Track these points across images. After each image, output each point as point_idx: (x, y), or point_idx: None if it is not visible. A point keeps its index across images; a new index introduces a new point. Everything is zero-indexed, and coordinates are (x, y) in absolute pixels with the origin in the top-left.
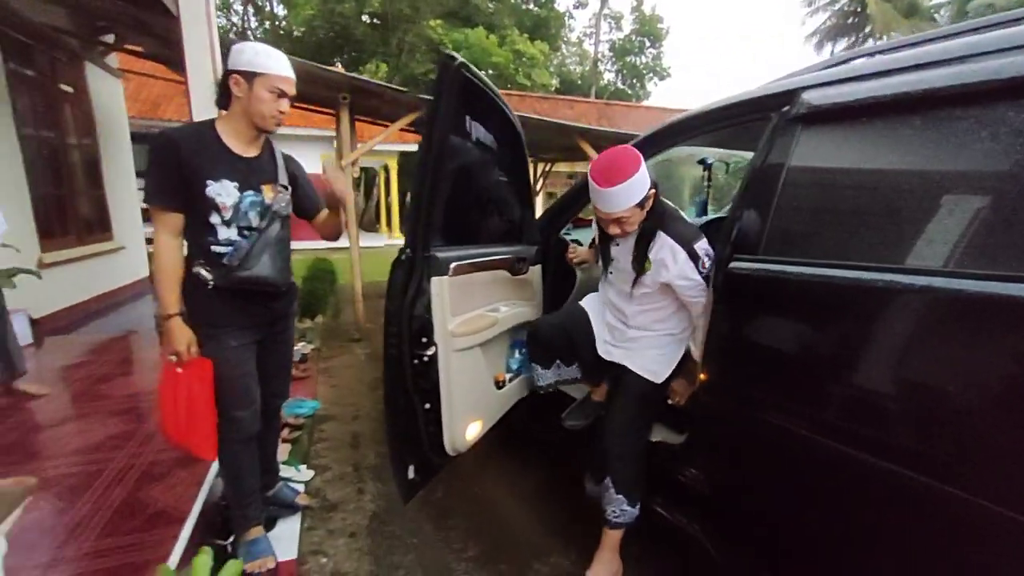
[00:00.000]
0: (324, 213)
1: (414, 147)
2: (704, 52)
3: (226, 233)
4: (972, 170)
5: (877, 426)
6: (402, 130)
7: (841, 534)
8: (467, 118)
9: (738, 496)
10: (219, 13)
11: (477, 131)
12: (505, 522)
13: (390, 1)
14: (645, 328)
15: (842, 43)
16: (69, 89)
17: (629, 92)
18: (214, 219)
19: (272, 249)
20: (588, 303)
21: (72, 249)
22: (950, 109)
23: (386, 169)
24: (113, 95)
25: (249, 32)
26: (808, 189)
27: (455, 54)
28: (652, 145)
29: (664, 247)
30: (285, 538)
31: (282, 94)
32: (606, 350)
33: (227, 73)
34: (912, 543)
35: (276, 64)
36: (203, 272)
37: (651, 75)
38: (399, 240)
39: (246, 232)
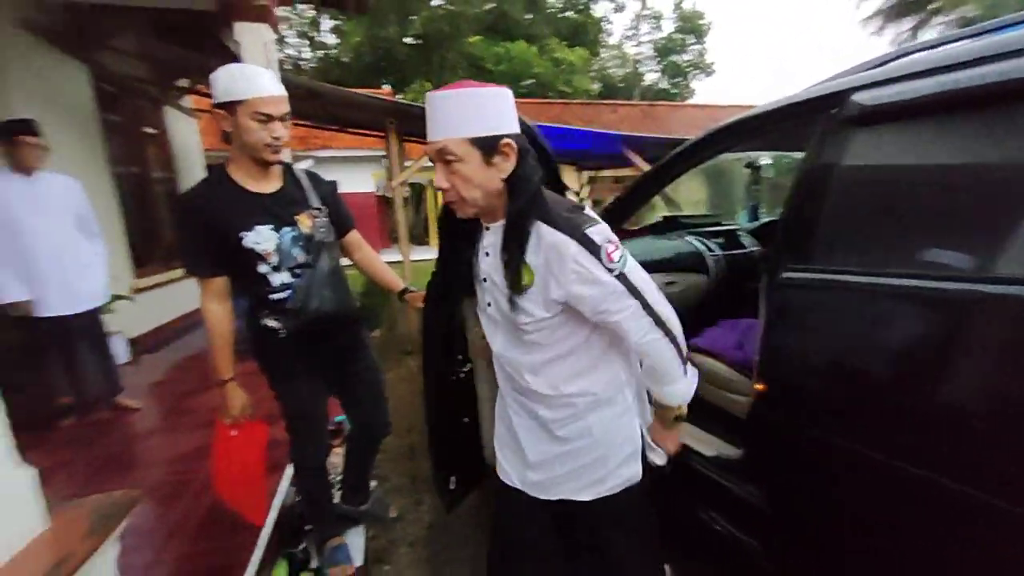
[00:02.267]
0: (355, 236)
1: None
2: (748, 45)
3: (279, 278)
4: None
5: (956, 450)
6: None
7: (917, 565)
8: None
9: (799, 515)
10: (275, 47)
11: None
12: None
13: (430, 21)
14: (564, 401)
15: (906, 23)
16: (151, 131)
17: (674, 91)
18: (262, 268)
19: (330, 280)
20: (499, 438)
21: (159, 275)
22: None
23: (432, 184)
24: (189, 133)
25: (302, 63)
26: (862, 193)
27: None
28: (699, 152)
29: (544, 242)
30: (352, 547)
31: (270, 118)
32: (540, 486)
33: (213, 109)
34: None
35: (255, 86)
36: (271, 323)
37: (696, 72)
38: None
39: (297, 271)
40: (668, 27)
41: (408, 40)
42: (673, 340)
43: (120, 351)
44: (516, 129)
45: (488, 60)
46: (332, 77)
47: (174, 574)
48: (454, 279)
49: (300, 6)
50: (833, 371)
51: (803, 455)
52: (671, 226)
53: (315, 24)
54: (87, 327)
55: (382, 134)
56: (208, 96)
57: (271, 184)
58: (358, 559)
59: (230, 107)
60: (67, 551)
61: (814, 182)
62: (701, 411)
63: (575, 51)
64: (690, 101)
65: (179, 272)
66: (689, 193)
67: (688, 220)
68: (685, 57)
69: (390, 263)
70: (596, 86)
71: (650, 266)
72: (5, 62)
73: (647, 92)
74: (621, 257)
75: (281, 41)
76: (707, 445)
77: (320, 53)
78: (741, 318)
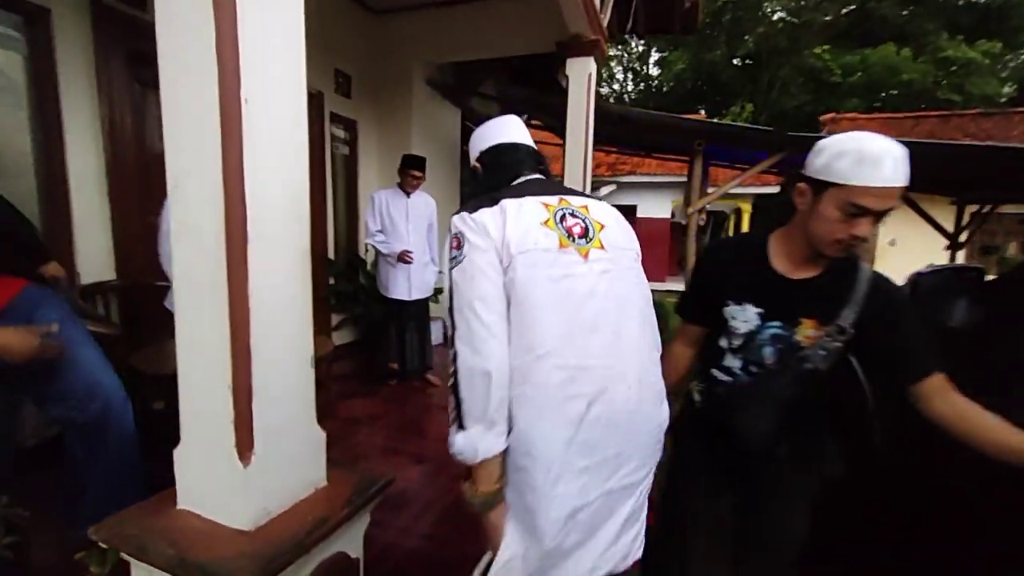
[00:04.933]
0: (937, 382)
1: (775, 189)
2: None
3: (731, 361)
4: None
5: None
6: (761, 172)
7: None
8: None
9: None
10: (604, 82)
11: None
12: None
13: (765, 38)
14: None
15: None
16: None
17: None
18: (723, 342)
19: (770, 405)
20: None
21: None
22: None
23: (738, 212)
24: None
25: (626, 96)
26: None
27: None
28: None
29: None
30: None
31: (862, 213)
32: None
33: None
34: None
35: (864, 172)
36: (695, 393)
37: None
38: None
39: (753, 368)
40: None
41: (735, 62)
42: (454, 379)
43: (438, 335)
44: (482, 147)
45: (835, 72)
46: (650, 106)
47: (410, 551)
48: None
49: (632, 42)
50: None
51: None
52: None
53: (642, 58)
54: (418, 312)
55: (687, 158)
56: (538, 128)
57: (804, 272)
58: None
59: (818, 184)
60: (330, 512)
61: None
62: None
63: (978, 46)
64: None
65: None
66: None
67: None
68: None
69: (672, 292)
70: (1007, 88)
71: None
72: (414, 109)
73: None
74: (456, 258)
75: (611, 77)
76: None
77: (642, 85)
78: None
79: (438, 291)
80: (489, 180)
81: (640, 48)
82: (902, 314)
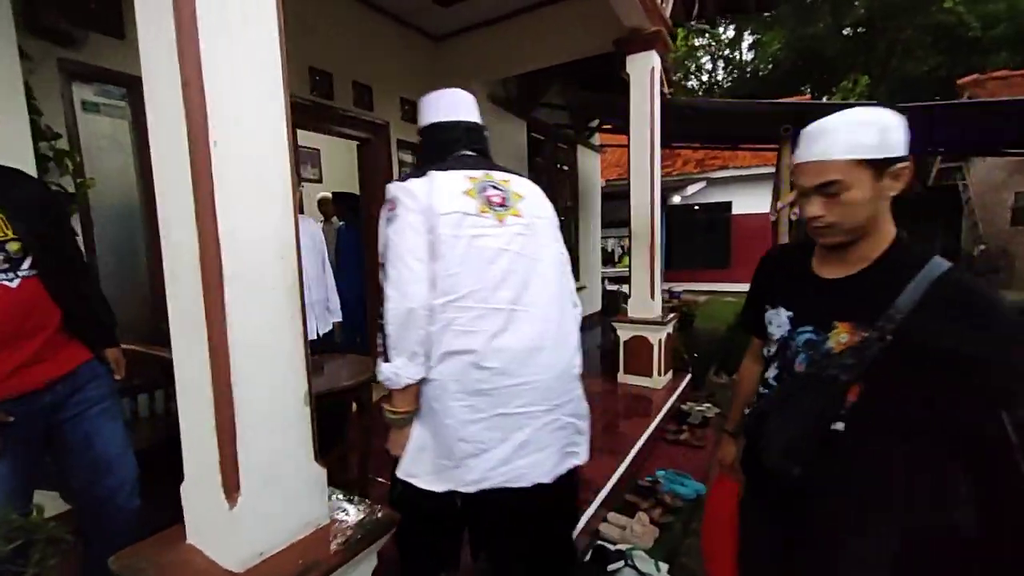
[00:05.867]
0: None
1: None
2: None
3: (770, 372)
4: None
5: None
6: None
7: None
8: None
9: None
10: (692, 75)
11: None
12: None
13: (879, 1)
14: None
15: None
16: (565, 168)
17: None
18: (765, 351)
19: (789, 415)
20: None
21: None
22: None
23: None
24: (593, 167)
25: (715, 86)
26: None
27: None
28: None
29: None
30: None
31: (803, 191)
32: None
33: None
34: None
35: (799, 148)
36: (746, 410)
37: None
38: None
39: (786, 378)
40: None
41: (844, 32)
42: (383, 318)
43: None
44: (423, 122)
45: (973, 26)
46: (743, 93)
47: None
48: None
49: (721, 28)
50: None
51: None
52: None
53: (732, 44)
54: None
55: (776, 146)
56: (614, 132)
57: (841, 271)
58: None
59: None
60: (322, 555)
61: None
62: None
63: None
64: None
65: None
66: None
67: None
68: None
69: None
70: None
71: None
72: None
73: None
74: (391, 218)
75: (699, 68)
76: None
77: (735, 73)
78: None
79: None
80: (426, 154)
81: (731, 33)
82: (989, 323)
